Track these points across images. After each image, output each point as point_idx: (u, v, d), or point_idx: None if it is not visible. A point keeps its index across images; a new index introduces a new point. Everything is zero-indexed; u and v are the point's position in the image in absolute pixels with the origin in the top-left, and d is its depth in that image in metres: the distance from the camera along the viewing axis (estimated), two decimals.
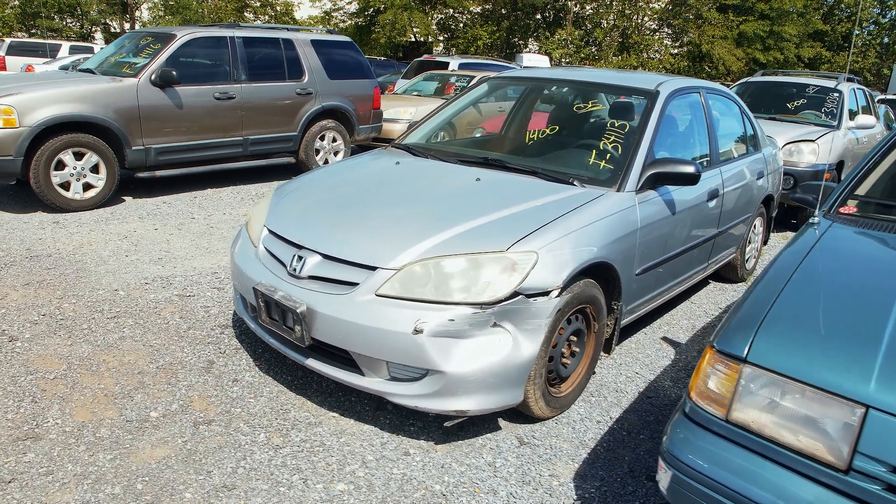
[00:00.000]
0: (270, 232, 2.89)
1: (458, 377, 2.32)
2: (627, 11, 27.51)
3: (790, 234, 6.59)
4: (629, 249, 2.92)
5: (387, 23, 25.58)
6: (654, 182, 3.11)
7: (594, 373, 3.20)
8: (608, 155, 3.26)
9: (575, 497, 2.30)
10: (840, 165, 6.69)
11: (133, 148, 5.73)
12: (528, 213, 2.68)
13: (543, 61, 20.31)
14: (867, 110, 7.92)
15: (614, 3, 27.70)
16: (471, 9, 28.50)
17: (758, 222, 4.78)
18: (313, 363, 2.61)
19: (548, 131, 3.70)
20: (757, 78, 8.20)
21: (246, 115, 6.54)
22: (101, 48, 19.50)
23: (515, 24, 28.62)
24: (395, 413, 2.73)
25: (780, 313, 1.77)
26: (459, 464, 2.42)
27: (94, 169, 5.54)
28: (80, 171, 5.45)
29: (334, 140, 7.54)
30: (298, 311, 2.45)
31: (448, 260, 2.41)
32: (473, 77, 9.51)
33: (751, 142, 4.55)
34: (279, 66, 6.87)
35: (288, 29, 7.31)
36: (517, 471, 2.41)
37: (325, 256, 2.57)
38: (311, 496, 2.19)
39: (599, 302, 2.81)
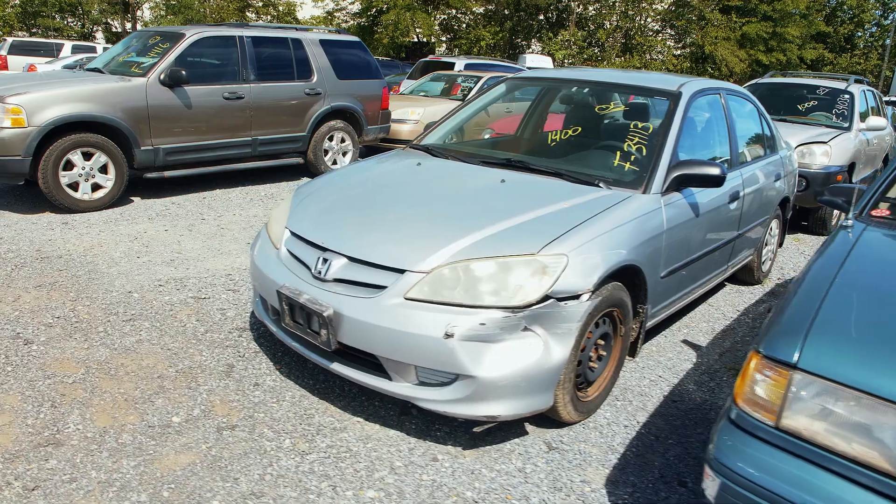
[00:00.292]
0: (293, 234, 2.84)
1: (488, 382, 2.28)
2: (630, 12, 27.48)
3: (802, 237, 6.55)
4: (655, 252, 2.89)
5: (389, 23, 25.51)
6: (679, 184, 3.07)
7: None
8: (633, 157, 3.22)
9: None
10: (851, 167, 6.66)
11: (142, 148, 5.69)
12: (556, 216, 2.64)
13: (546, 62, 20.23)
14: (877, 112, 7.90)
15: (617, 4, 27.66)
16: (474, 9, 28.44)
17: (774, 224, 4.74)
18: (339, 367, 2.56)
19: (570, 132, 3.66)
20: (766, 79, 8.16)
21: (255, 115, 6.49)
22: (104, 48, 19.48)
23: (518, 25, 28.55)
24: (420, 417, 2.69)
25: (828, 318, 1.73)
26: (489, 469, 2.38)
27: (103, 169, 5.49)
28: (88, 172, 5.40)
29: (343, 141, 7.49)
30: (325, 314, 2.41)
31: (478, 263, 2.37)
32: (480, 78, 9.46)
33: (768, 143, 4.51)
34: (288, 66, 6.82)
35: (297, 28, 7.27)
36: (548, 476, 2.37)
37: (351, 259, 2.53)
38: None
39: (626, 305, 2.77)
